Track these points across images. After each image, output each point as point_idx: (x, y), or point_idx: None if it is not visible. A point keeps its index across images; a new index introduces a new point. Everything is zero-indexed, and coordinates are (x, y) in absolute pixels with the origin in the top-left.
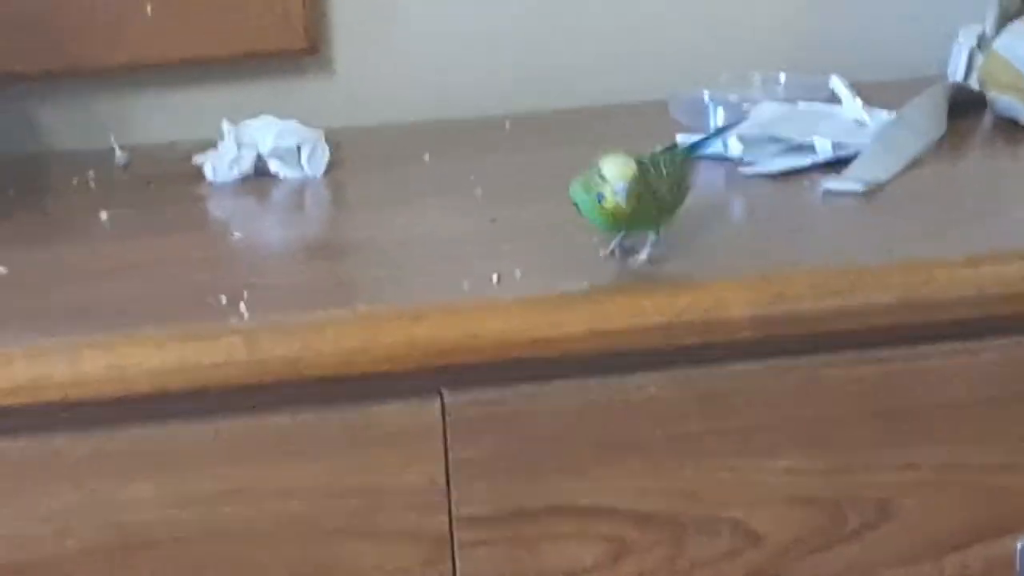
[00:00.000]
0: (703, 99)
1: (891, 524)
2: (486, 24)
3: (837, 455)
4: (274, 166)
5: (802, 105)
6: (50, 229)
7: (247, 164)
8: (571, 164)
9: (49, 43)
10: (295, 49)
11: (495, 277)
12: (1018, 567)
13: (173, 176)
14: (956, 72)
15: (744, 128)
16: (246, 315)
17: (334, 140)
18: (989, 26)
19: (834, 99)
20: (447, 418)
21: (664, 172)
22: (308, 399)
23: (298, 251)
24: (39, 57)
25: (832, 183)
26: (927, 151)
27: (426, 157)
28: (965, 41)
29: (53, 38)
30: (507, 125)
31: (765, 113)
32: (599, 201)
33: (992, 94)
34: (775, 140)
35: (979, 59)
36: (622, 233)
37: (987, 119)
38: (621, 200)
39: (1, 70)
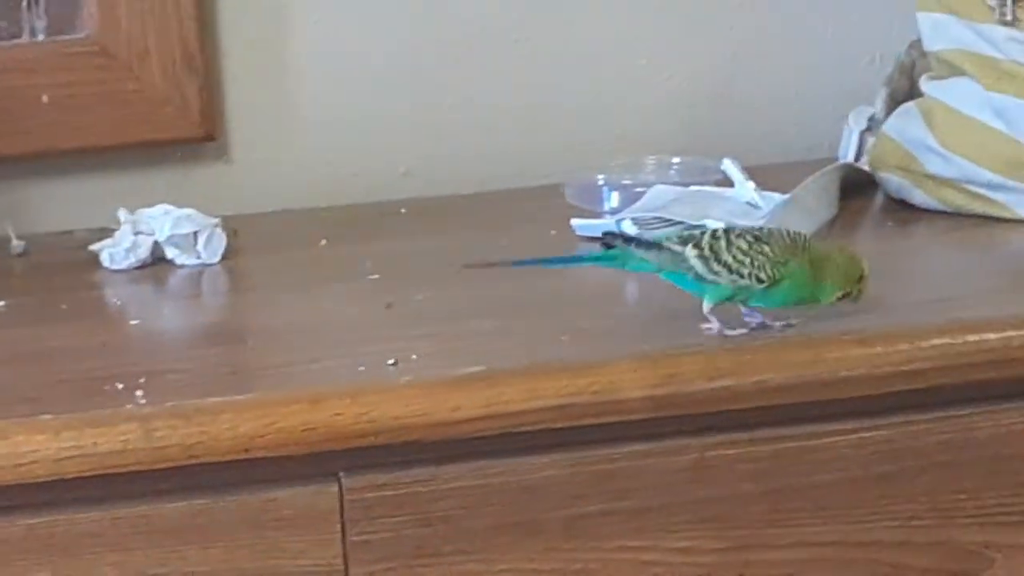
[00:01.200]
0: (597, 183)
1: None
2: (382, 111)
3: (732, 534)
4: (171, 253)
5: (695, 188)
6: None
7: (144, 252)
8: (467, 249)
9: None
10: (192, 137)
11: (392, 361)
12: None
13: (70, 264)
14: (847, 154)
15: (638, 211)
16: (143, 401)
17: (231, 227)
18: (879, 108)
19: (727, 182)
20: (345, 501)
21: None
22: (206, 484)
23: (195, 337)
24: None
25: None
26: (819, 232)
27: (323, 243)
28: (856, 123)
29: None
30: (403, 211)
31: (659, 196)
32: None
33: (882, 175)
34: (669, 222)
35: (869, 141)
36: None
37: (878, 200)
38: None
39: None
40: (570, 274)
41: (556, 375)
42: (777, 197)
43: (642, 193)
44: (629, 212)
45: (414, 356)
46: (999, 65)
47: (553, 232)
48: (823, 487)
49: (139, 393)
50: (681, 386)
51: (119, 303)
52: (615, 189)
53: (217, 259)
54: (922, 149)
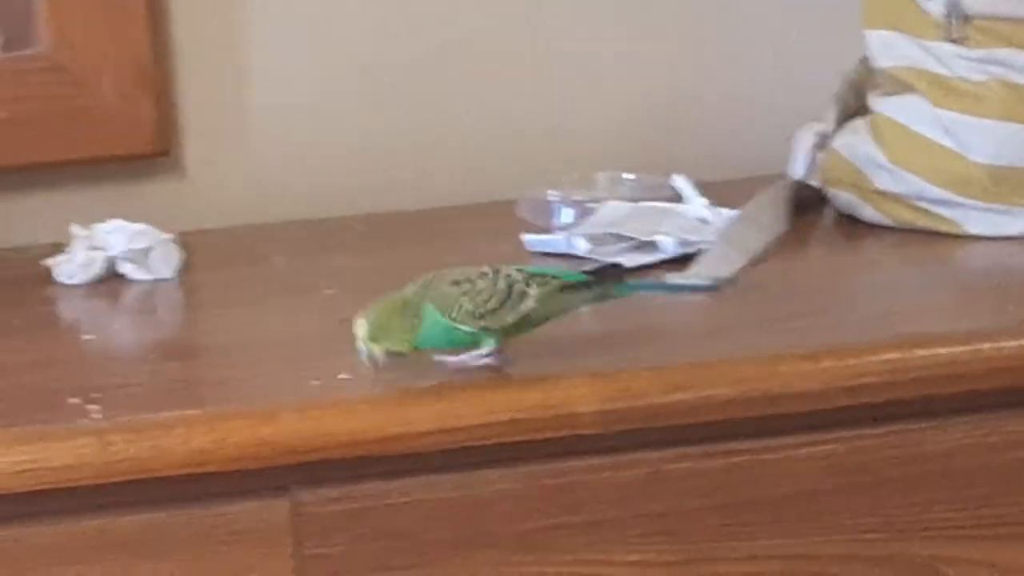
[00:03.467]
0: (549, 199)
1: None
2: (335, 127)
3: (685, 547)
4: (125, 268)
5: (647, 204)
6: None
7: (98, 267)
8: (420, 264)
9: None
10: (145, 152)
11: (344, 376)
12: None
13: (22, 279)
14: (798, 170)
15: (590, 227)
16: (97, 415)
17: (185, 242)
18: (829, 125)
19: (678, 198)
20: (297, 516)
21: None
22: (158, 499)
23: (149, 352)
24: None
25: (676, 280)
26: (770, 247)
27: (277, 258)
28: (806, 139)
29: None
30: (356, 227)
31: (610, 212)
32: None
33: (832, 191)
34: (621, 238)
35: (820, 157)
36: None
37: (828, 215)
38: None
39: None
40: None
41: (508, 389)
42: (728, 213)
43: (594, 209)
44: (581, 228)
45: (366, 372)
46: (947, 82)
47: (505, 248)
48: (775, 501)
49: (93, 407)
50: (634, 400)
51: (73, 318)
52: (567, 205)
53: (171, 274)
54: (871, 165)
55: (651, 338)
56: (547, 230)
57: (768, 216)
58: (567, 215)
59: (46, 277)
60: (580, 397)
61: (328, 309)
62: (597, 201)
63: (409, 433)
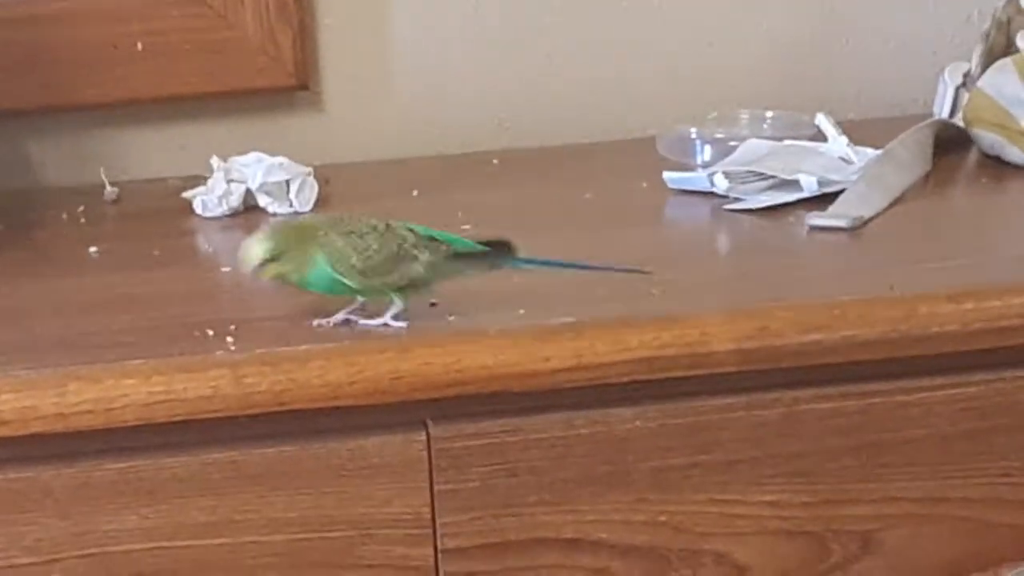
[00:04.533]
0: (690, 136)
1: (874, 557)
2: (476, 61)
3: (820, 488)
4: (263, 201)
5: (788, 142)
6: (39, 263)
7: (236, 199)
8: (557, 200)
9: (40, 79)
10: (285, 86)
11: (479, 312)
12: None
13: (162, 211)
14: (942, 109)
15: (730, 164)
16: (233, 348)
17: (323, 176)
18: (975, 64)
19: (820, 137)
20: (432, 451)
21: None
22: (294, 432)
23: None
24: (30, 93)
25: (817, 219)
26: (912, 188)
27: (414, 193)
28: (951, 79)
29: (45, 74)
30: (495, 162)
31: (751, 150)
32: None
33: (976, 131)
34: (761, 176)
35: (964, 97)
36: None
37: (972, 156)
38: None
39: None
40: (660, 228)
41: (645, 327)
42: (870, 152)
43: (735, 147)
44: (721, 166)
45: (501, 307)
46: None
47: (645, 185)
48: (912, 443)
49: (229, 339)
50: (771, 340)
51: (211, 250)
52: (708, 142)
53: (309, 208)
54: (1017, 105)
55: (789, 277)
56: (687, 167)
57: (910, 156)
58: (707, 152)
59: (185, 209)
60: (716, 336)
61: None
62: (738, 139)
63: (545, 369)
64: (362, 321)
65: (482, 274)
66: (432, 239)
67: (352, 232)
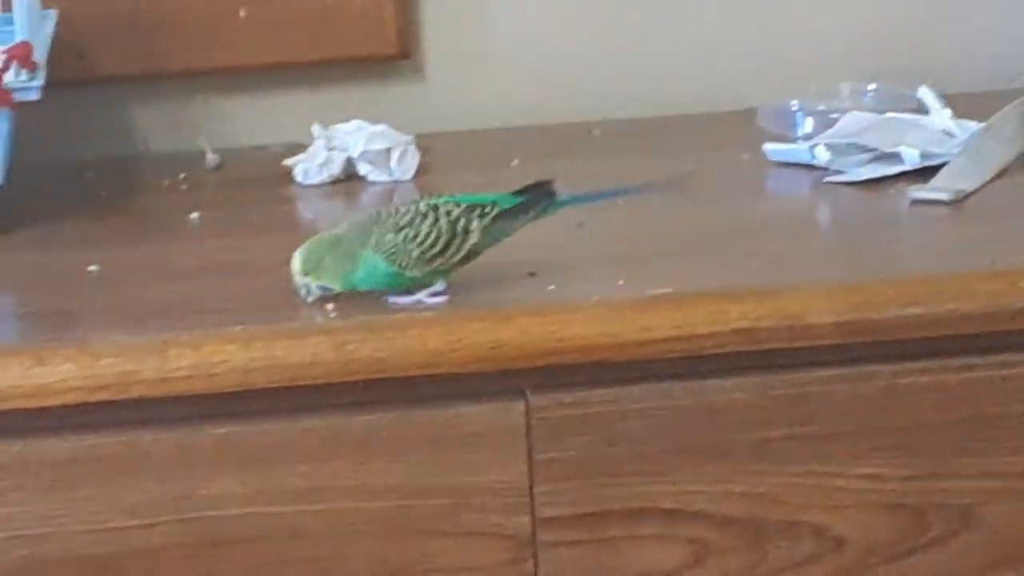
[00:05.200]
0: (791, 108)
1: (973, 531)
2: (577, 30)
3: (919, 462)
4: (364, 169)
5: (890, 115)
6: (141, 229)
7: (337, 167)
8: (657, 171)
9: (144, 46)
10: (386, 54)
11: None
12: None
13: (263, 178)
14: None
15: (831, 137)
16: (333, 315)
17: (423, 144)
18: None
19: (922, 110)
20: (531, 419)
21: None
22: (393, 399)
23: None
24: (134, 60)
25: (919, 192)
26: (1015, 162)
27: (514, 162)
28: None
29: (148, 41)
30: (596, 132)
31: (853, 122)
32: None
33: None
34: (862, 149)
35: None
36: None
37: None
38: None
39: (96, 73)
40: (761, 200)
41: (745, 299)
42: (973, 125)
43: (836, 119)
44: (823, 138)
45: (602, 276)
46: None
47: (745, 156)
48: (1013, 417)
49: (329, 306)
50: (871, 312)
51: (311, 217)
52: (809, 114)
53: (409, 176)
54: None
55: (889, 250)
56: (788, 139)
57: (1013, 130)
58: (808, 124)
59: (286, 177)
60: (817, 308)
61: (563, 214)
62: (839, 111)
63: (645, 340)
64: (394, 299)
65: (533, 223)
66: (478, 204)
67: (404, 226)
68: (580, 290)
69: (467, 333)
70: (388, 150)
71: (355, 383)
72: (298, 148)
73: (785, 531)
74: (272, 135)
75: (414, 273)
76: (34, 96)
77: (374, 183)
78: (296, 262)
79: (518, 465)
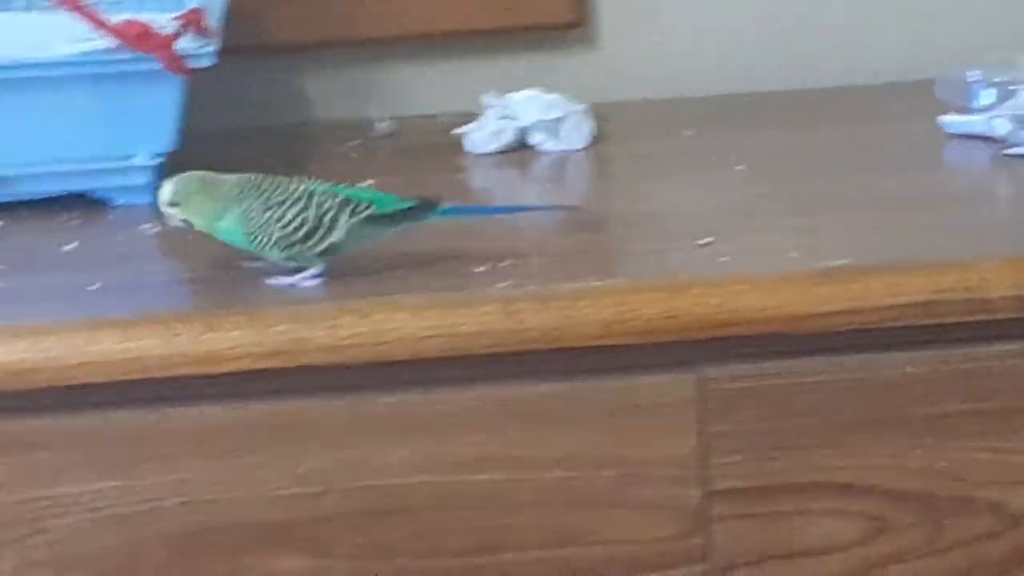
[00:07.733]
0: (969, 79)
1: None
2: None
3: None
4: (536, 139)
5: None
6: None
7: (508, 137)
8: (833, 143)
9: (316, 14)
10: (560, 23)
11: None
12: None
13: (434, 147)
14: None
15: (1012, 109)
16: (504, 284)
17: (597, 113)
18: None
19: None
20: (704, 392)
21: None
22: (564, 369)
23: (558, 222)
24: (305, 28)
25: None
26: None
27: (688, 132)
28: None
29: (320, 9)
30: (770, 103)
31: None
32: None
33: None
34: None
35: None
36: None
37: None
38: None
39: (268, 40)
40: (938, 172)
41: (923, 271)
42: None
43: (1015, 91)
44: (1003, 110)
45: (776, 247)
46: None
47: (921, 128)
48: None
49: (501, 276)
50: None
51: (482, 187)
52: (988, 86)
53: (582, 145)
54: None
55: None
56: (966, 111)
57: None
58: (987, 96)
59: (456, 146)
60: (996, 281)
61: (739, 185)
62: (1019, 83)
63: (820, 312)
64: (273, 281)
65: (405, 232)
66: (353, 201)
67: (273, 205)
68: (754, 261)
69: (640, 304)
70: (560, 119)
71: (527, 353)
72: (469, 117)
73: (961, 508)
74: (443, 104)
75: (269, 254)
76: (208, 62)
77: (547, 153)
78: (165, 192)
79: (690, 437)
